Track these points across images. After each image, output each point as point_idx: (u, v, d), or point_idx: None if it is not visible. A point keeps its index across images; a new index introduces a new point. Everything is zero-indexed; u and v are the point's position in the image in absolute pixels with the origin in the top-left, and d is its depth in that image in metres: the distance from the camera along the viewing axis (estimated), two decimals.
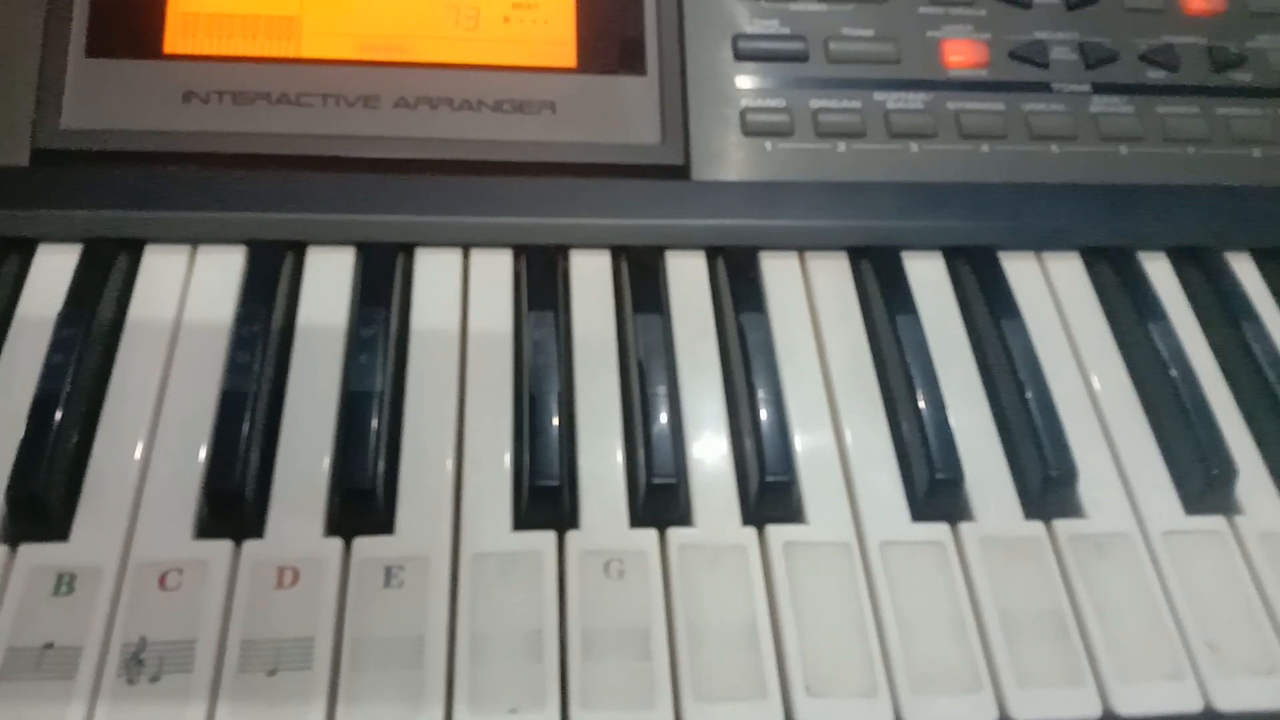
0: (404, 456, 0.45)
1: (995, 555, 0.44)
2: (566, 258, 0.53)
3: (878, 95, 0.57)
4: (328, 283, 0.50)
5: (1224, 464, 0.47)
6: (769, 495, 0.45)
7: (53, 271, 0.49)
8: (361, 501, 0.43)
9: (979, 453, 0.47)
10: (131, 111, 0.52)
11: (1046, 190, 0.55)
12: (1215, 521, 0.46)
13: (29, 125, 0.51)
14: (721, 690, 0.40)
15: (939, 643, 0.42)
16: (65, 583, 0.40)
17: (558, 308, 0.50)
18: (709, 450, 0.47)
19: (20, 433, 0.43)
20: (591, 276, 0.52)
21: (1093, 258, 0.55)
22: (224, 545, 0.42)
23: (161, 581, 0.41)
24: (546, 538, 0.43)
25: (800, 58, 0.57)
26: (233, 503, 0.43)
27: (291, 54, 0.54)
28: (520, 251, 0.52)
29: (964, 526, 0.45)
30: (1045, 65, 0.58)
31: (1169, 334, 0.51)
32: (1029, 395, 0.48)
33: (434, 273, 0.51)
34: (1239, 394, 0.51)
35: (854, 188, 0.54)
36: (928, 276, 0.53)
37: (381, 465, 0.44)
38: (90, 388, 0.46)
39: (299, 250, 0.51)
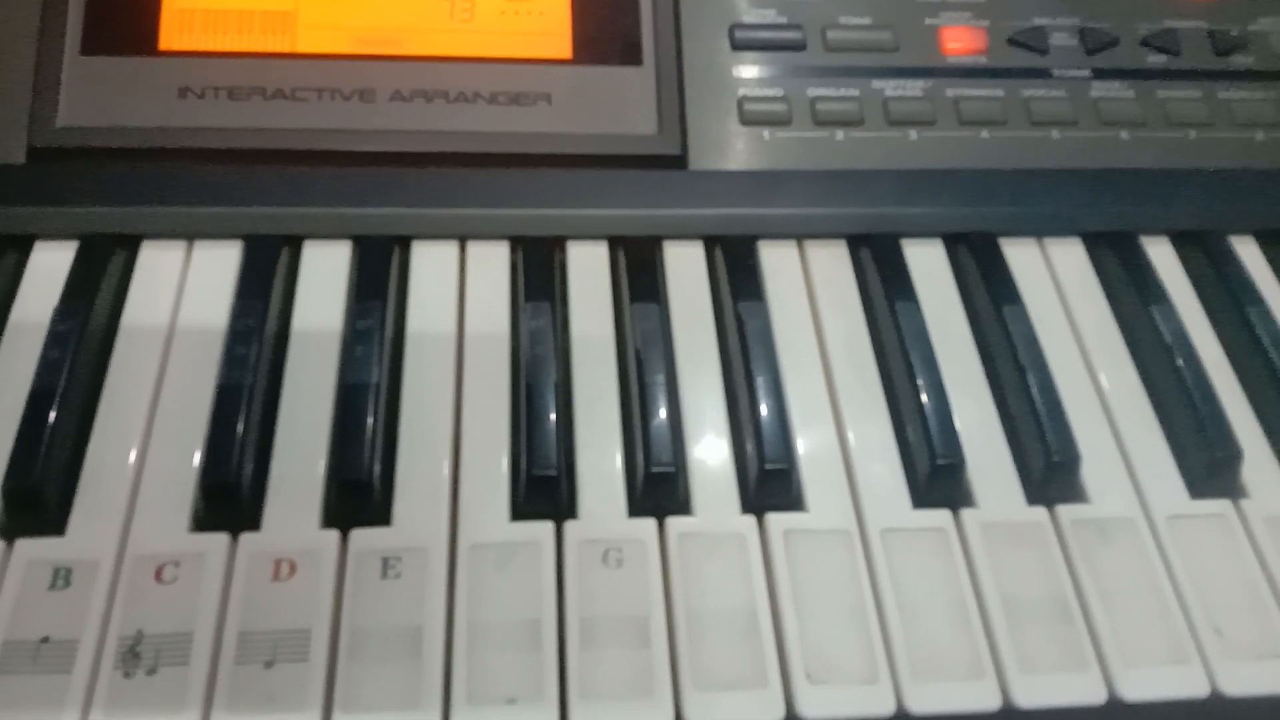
0: (401, 448, 0.45)
1: (997, 541, 0.44)
2: (564, 248, 0.52)
3: (876, 83, 0.56)
4: (324, 276, 0.50)
5: (1229, 447, 0.47)
6: (768, 483, 0.45)
7: (49, 268, 0.49)
8: (358, 493, 0.43)
9: (980, 438, 0.47)
10: (127, 108, 0.52)
11: (1047, 176, 0.55)
12: (1220, 505, 0.46)
13: (25, 122, 0.51)
14: (722, 679, 0.40)
15: (941, 629, 0.41)
16: (62, 576, 0.40)
17: (555, 298, 0.49)
18: (708, 439, 0.46)
19: (17, 427, 0.43)
20: (589, 267, 0.52)
21: (1094, 243, 0.55)
22: (221, 538, 0.42)
23: (158, 574, 0.41)
24: (544, 528, 0.43)
25: (798, 46, 0.57)
26: (229, 495, 0.42)
27: (286, 49, 0.54)
28: (517, 243, 0.52)
29: (966, 513, 0.45)
30: (1045, 51, 0.58)
31: (1172, 318, 0.51)
32: (1031, 381, 0.48)
33: (431, 265, 0.51)
34: (1243, 377, 0.51)
35: (853, 176, 0.54)
36: (928, 263, 0.53)
37: (378, 457, 0.44)
38: (86, 382, 0.46)
39: (295, 244, 0.51)
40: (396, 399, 0.46)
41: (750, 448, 0.45)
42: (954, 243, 0.54)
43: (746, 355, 0.48)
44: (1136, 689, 0.41)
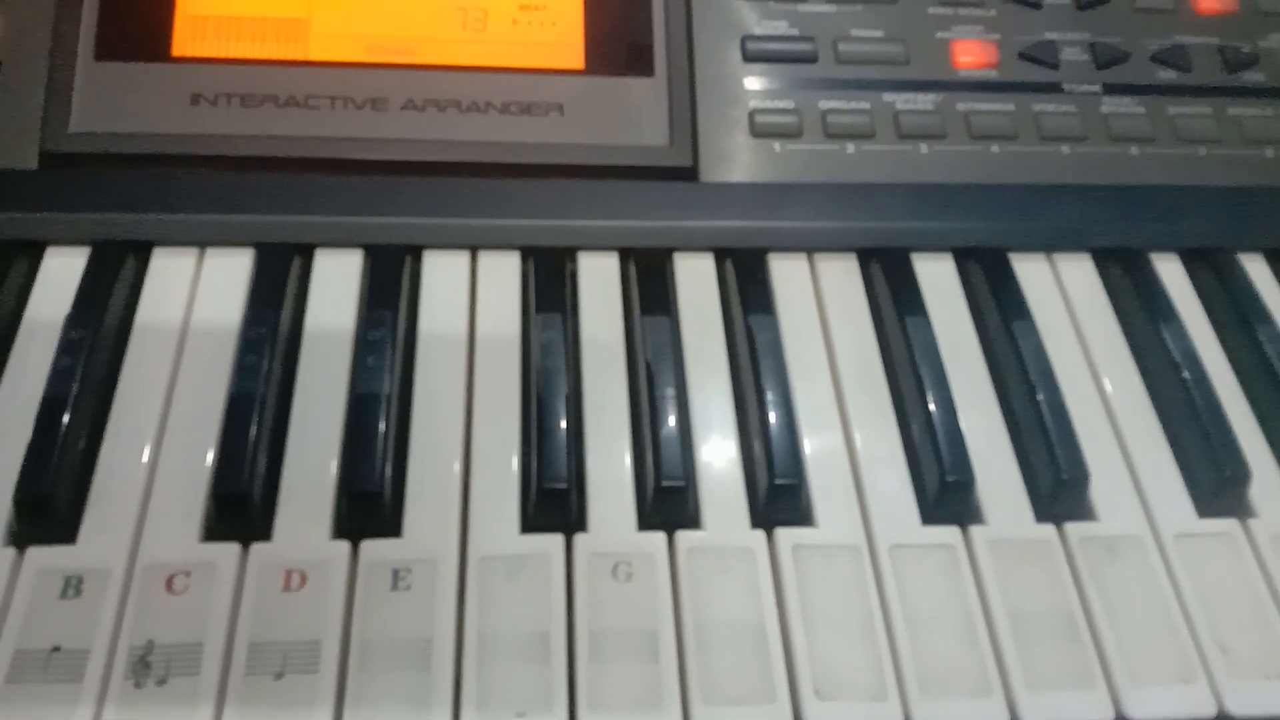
0: (411, 459, 0.45)
1: (1006, 558, 0.44)
2: (574, 259, 0.52)
3: (887, 96, 0.56)
4: (335, 285, 0.50)
5: (1237, 466, 0.47)
6: (778, 498, 0.45)
7: (61, 274, 0.49)
8: (369, 504, 0.43)
9: (990, 455, 0.47)
10: (140, 114, 0.52)
11: (1057, 191, 0.55)
12: (1228, 524, 0.46)
13: (38, 128, 0.51)
14: (730, 693, 0.40)
15: (949, 646, 0.42)
16: (73, 585, 0.40)
17: (565, 310, 0.50)
18: (717, 453, 0.46)
19: (29, 435, 0.43)
20: (599, 278, 0.52)
21: (1104, 259, 0.55)
22: (231, 548, 0.42)
23: (169, 584, 0.41)
24: (554, 540, 0.43)
25: (809, 59, 0.57)
26: (240, 505, 0.43)
27: (299, 56, 0.54)
28: (528, 253, 0.52)
29: (974, 529, 0.45)
30: (1056, 66, 0.58)
31: (1181, 335, 0.51)
32: (1040, 397, 0.48)
33: (442, 275, 0.51)
34: (1252, 396, 0.51)
35: (863, 189, 0.54)
36: (938, 278, 0.53)
37: (389, 468, 0.44)
38: (98, 390, 0.46)
39: (307, 252, 0.51)
40: (407, 409, 0.46)
41: (760, 462, 0.46)
42: (964, 257, 0.54)
43: (756, 368, 0.48)
44: (1142, 707, 0.41)
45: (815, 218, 0.53)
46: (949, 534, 0.44)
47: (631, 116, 0.54)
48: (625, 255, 0.53)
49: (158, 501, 0.43)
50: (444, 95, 0.54)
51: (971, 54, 0.58)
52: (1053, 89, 0.58)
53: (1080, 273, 0.54)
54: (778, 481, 0.44)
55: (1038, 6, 0.59)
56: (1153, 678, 0.42)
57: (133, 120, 0.52)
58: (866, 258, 0.54)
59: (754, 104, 0.56)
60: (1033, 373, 0.49)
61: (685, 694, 0.40)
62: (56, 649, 0.39)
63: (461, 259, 0.52)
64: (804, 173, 0.55)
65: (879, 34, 0.58)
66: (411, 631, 0.40)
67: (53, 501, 0.42)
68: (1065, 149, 0.56)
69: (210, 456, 0.44)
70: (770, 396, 0.47)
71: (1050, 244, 0.55)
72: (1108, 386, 0.50)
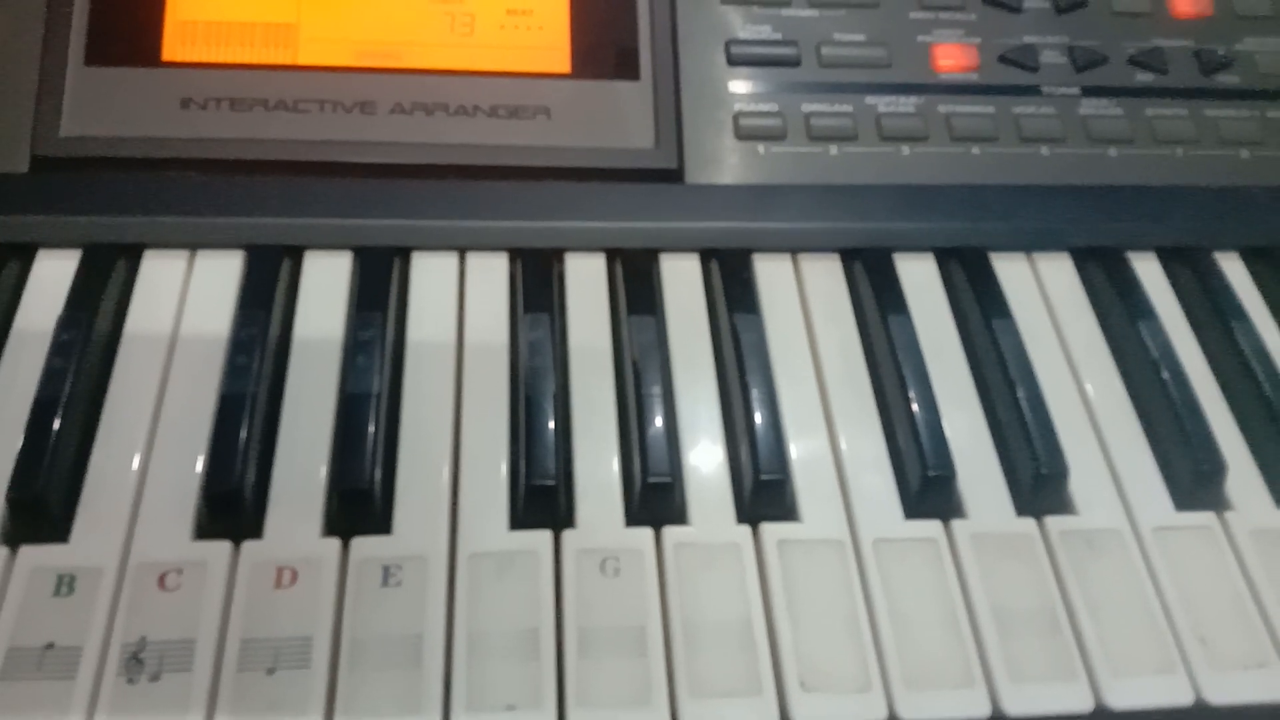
0: (401, 457, 0.45)
1: (987, 552, 0.45)
2: (562, 260, 0.53)
3: (869, 99, 0.57)
4: (325, 286, 0.51)
5: (1214, 461, 0.48)
6: (763, 494, 0.45)
7: (52, 277, 0.49)
8: (359, 502, 0.43)
9: (971, 451, 0.48)
10: (130, 118, 0.52)
11: (1037, 192, 0.56)
12: (1205, 518, 0.47)
13: (28, 132, 0.52)
14: (717, 687, 0.40)
15: (932, 639, 0.42)
16: (65, 583, 0.41)
17: (553, 310, 0.50)
18: (704, 450, 0.47)
19: (21, 436, 0.43)
20: (586, 279, 0.52)
21: (1083, 258, 0.56)
22: (223, 546, 0.42)
23: (161, 582, 0.41)
24: (543, 537, 0.43)
25: (792, 62, 0.58)
26: (232, 504, 0.43)
27: (289, 61, 0.54)
28: (516, 255, 0.53)
29: (956, 524, 0.45)
30: (1035, 69, 0.59)
31: (1159, 333, 0.52)
32: (1020, 394, 0.49)
33: (430, 276, 0.52)
34: (1228, 392, 0.51)
35: (846, 190, 0.55)
36: (919, 277, 0.54)
37: (379, 466, 0.44)
38: (90, 391, 0.46)
39: (296, 255, 0.52)
40: (397, 409, 0.47)
41: (745, 458, 0.46)
42: (945, 257, 0.55)
43: (742, 367, 0.48)
44: (1123, 698, 0.42)
45: (799, 219, 0.54)
46: (931, 528, 0.45)
47: (618, 119, 0.55)
48: (612, 256, 0.54)
49: (150, 500, 0.43)
50: (432, 99, 0.54)
51: (952, 57, 0.58)
52: (1032, 91, 0.58)
53: (1060, 272, 0.55)
54: (763, 477, 0.45)
55: (1017, 10, 0.60)
56: (1133, 669, 0.42)
57: (123, 124, 0.52)
58: (850, 258, 0.54)
59: (738, 107, 0.56)
60: (1013, 370, 0.49)
61: (673, 688, 0.40)
62: (50, 646, 0.39)
63: (450, 260, 0.52)
64: (788, 174, 0.55)
65: (861, 38, 0.58)
66: (402, 628, 0.41)
67: (45, 501, 0.42)
68: (1045, 150, 0.57)
69: (201, 456, 0.45)
70: (755, 394, 0.47)
71: (1030, 244, 0.55)
72: (1087, 383, 0.51)
